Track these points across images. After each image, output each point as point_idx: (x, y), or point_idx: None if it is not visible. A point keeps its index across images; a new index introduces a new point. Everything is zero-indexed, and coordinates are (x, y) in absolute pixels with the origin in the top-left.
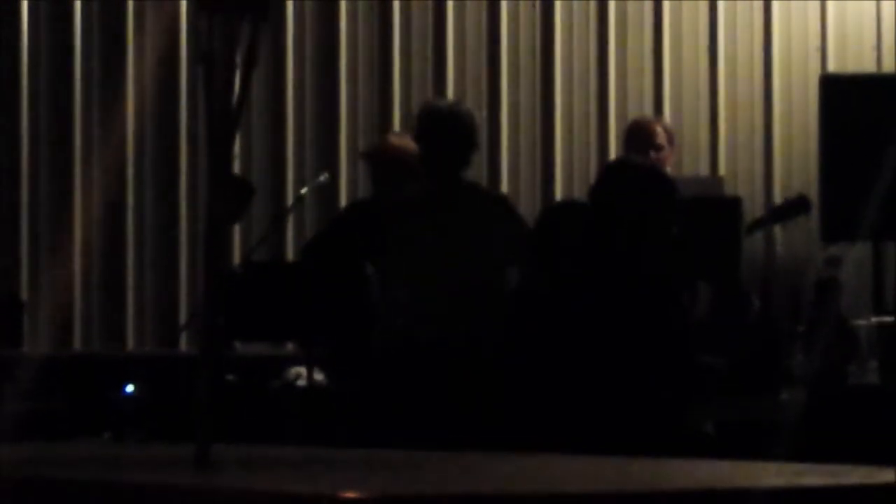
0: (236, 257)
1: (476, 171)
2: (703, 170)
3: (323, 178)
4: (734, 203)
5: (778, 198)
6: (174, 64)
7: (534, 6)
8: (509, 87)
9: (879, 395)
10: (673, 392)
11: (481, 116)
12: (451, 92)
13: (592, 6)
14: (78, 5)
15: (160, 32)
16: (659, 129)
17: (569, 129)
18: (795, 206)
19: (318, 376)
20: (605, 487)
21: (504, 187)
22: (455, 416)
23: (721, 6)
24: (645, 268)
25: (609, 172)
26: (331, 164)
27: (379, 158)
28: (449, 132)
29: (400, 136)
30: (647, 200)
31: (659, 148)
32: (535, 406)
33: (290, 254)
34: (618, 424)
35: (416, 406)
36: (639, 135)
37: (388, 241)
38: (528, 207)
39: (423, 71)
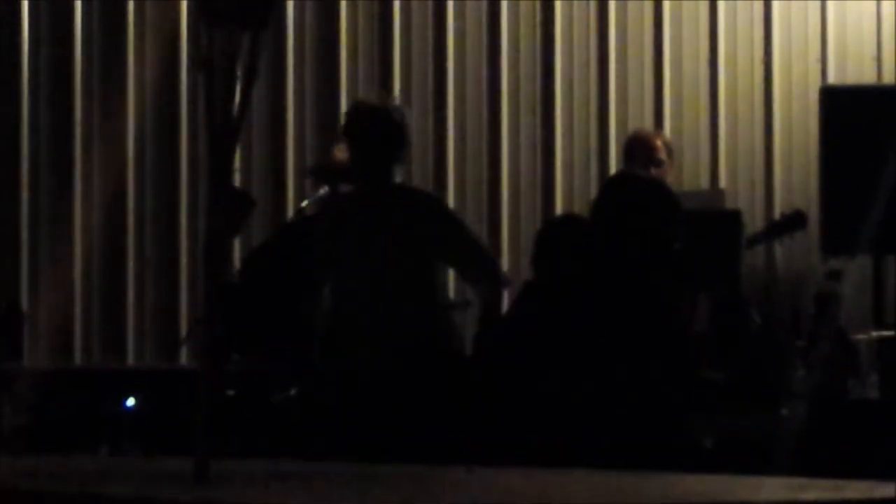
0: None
1: (476, 175)
2: (704, 182)
3: (323, 191)
4: (734, 216)
5: (778, 210)
6: (174, 65)
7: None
8: (509, 87)
9: (880, 409)
10: (673, 406)
11: (482, 118)
12: (451, 92)
13: (592, 6)
14: (78, 5)
15: (160, 33)
16: (659, 143)
17: (569, 132)
18: (792, 222)
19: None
20: (605, 501)
21: (504, 191)
22: (391, 427)
23: (721, 18)
24: (646, 282)
25: (611, 186)
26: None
27: (325, 174)
28: (377, 131)
29: (344, 150)
30: (649, 214)
31: (659, 163)
32: (534, 419)
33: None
34: (617, 438)
35: (356, 418)
36: (639, 149)
37: (321, 248)
38: (527, 212)
39: (424, 71)
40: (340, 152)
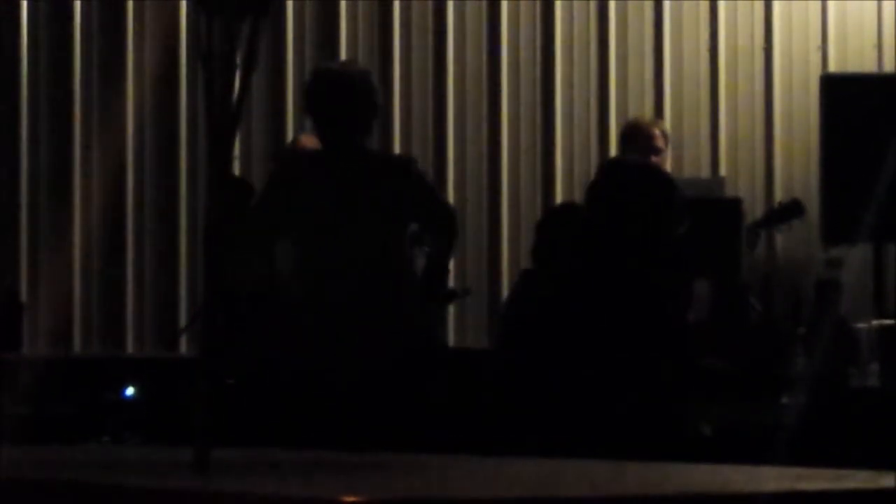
0: None
1: (477, 171)
2: (704, 170)
3: None
4: (735, 204)
5: (778, 198)
6: (174, 63)
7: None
8: (509, 87)
9: (880, 398)
10: (673, 395)
11: (482, 116)
12: (451, 92)
13: (592, 6)
14: (78, 5)
15: (160, 32)
16: (657, 132)
17: (569, 130)
18: (789, 210)
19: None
20: (605, 491)
21: (504, 187)
22: (347, 413)
23: (722, 6)
24: (643, 268)
25: (605, 172)
26: None
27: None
28: (340, 95)
29: (311, 137)
30: (643, 199)
31: (657, 151)
32: (533, 408)
33: None
34: (617, 427)
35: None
36: (637, 138)
37: (284, 217)
38: (528, 208)
39: (424, 71)
40: (308, 139)
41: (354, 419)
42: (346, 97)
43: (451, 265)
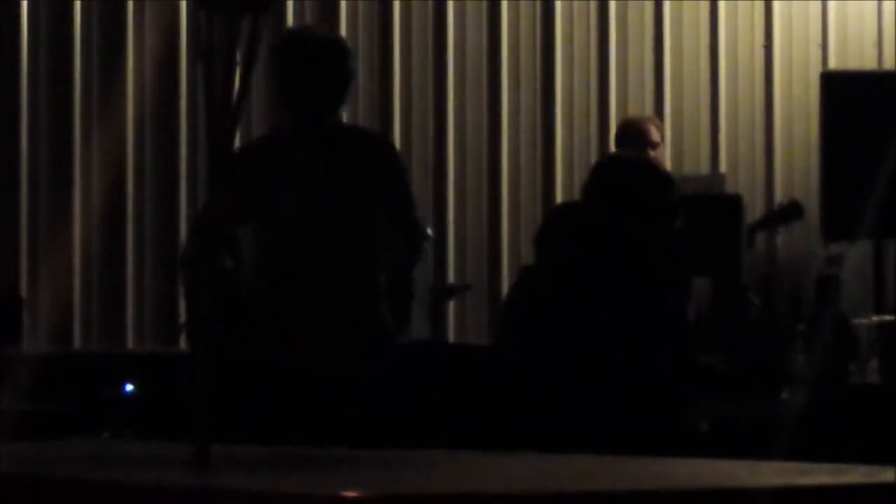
0: None
1: (477, 170)
2: (704, 166)
3: None
4: (735, 201)
5: (779, 194)
6: (174, 63)
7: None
8: (509, 86)
9: (880, 394)
10: (672, 391)
11: (482, 116)
12: (451, 92)
13: (592, 6)
14: (78, 5)
15: (160, 32)
16: (652, 128)
17: (569, 129)
18: (788, 212)
19: None
20: (604, 487)
21: (504, 188)
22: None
23: (722, 5)
24: (641, 262)
25: (600, 168)
26: None
27: None
28: (311, 59)
29: None
30: (638, 193)
31: (654, 145)
32: (533, 404)
33: None
34: (616, 423)
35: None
36: (632, 134)
37: (247, 199)
38: (528, 206)
39: (424, 71)
40: None
41: (316, 415)
42: (317, 61)
43: (451, 261)
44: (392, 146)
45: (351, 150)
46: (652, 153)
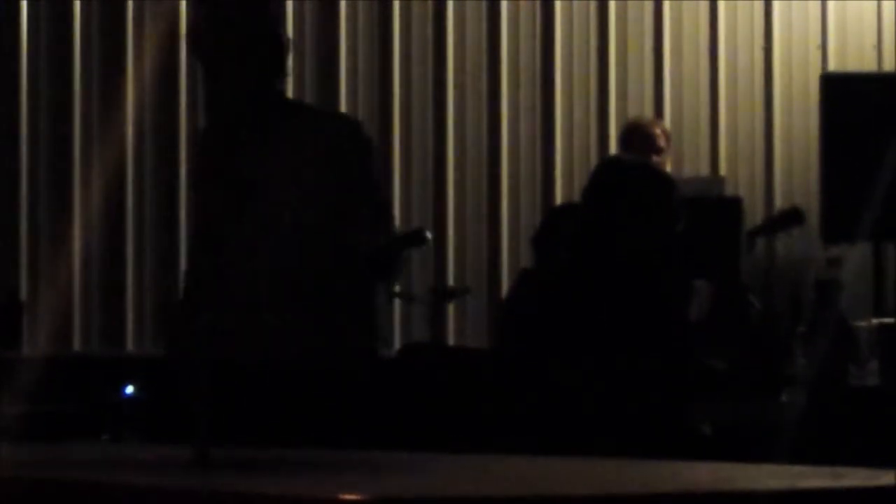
0: None
1: (476, 171)
2: (704, 169)
3: None
4: (735, 203)
5: (778, 197)
6: (174, 64)
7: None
8: (509, 87)
9: (880, 397)
10: (672, 393)
11: (482, 116)
12: (451, 92)
13: (592, 6)
14: (78, 5)
15: (160, 32)
16: (658, 132)
17: (569, 130)
18: (789, 218)
19: None
20: (604, 489)
21: (504, 188)
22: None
23: (722, 6)
24: (642, 266)
25: (601, 171)
26: None
27: None
28: (238, 24)
29: None
30: (638, 196)
31: (660, 151)
32: (533, 407)
33: None
34: (617, 426)
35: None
36: (638, 138)
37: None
38: (528, 208)
39: (424, 72)
40: None
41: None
42: (243, 26)
43: (451, 263)
44: (358, 122)
45: (306, 127)
46: (655, 158)
